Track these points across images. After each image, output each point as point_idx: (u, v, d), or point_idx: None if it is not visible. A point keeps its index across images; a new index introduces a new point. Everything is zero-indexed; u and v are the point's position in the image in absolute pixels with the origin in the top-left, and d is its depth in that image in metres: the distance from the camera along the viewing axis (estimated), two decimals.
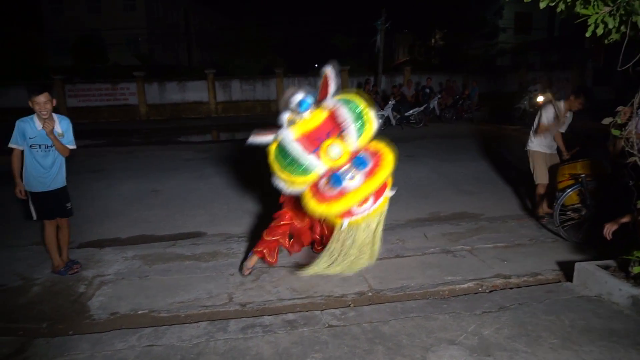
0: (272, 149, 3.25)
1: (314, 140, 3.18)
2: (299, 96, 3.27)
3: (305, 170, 3.15)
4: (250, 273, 3.82)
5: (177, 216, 5.60)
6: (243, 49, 22.18)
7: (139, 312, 3.32)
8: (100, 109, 18.52)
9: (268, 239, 3.72)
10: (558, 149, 5.05)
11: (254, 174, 7.23)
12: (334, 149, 3.14)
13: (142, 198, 6.37)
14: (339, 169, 3.18)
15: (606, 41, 3.01)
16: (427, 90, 15.60)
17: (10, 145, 3.63)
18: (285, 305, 3.38)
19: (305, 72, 22.17)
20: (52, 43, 28.94)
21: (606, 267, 3.33)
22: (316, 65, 23.80)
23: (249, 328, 2.92)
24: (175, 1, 35.43)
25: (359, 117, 3.20)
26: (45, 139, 3.60)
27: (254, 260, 3.81)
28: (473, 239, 4.59)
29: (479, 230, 4.86)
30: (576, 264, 3.48)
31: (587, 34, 2.90)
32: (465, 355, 2.58)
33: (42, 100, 3.48)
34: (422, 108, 14.34)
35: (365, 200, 3.22)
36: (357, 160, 3.17)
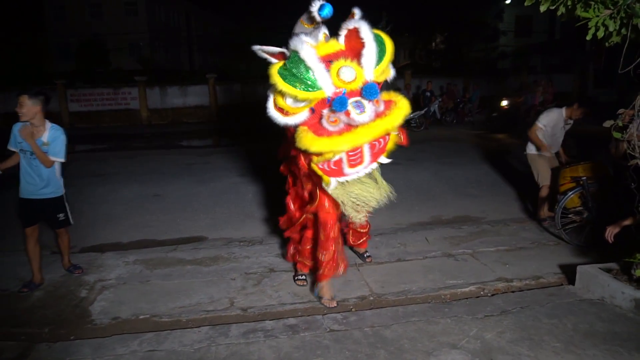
0: (277, 65, 2.79)
1: (327, 63, 2.77)
2: (319, 2, 2.94)
3: (313, 83, 2.69)
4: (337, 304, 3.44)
5: (179, 220, 5.61)
6: (244, 52, 22.17)
7: (141, 317, 3.32)
8: (102, 113, 18.52)
9: (324, 253, 3.36)
10: (557, 152, 5.06)
11: (255, 178, 7.24)
12: (346, 70, 2.70)
13: (143, 202, 6.37)
14: (346, 96, 2.74)
15: (607, 44, 3.01)
16: (428, 94, 15.60)
17: (8, 147, 3.67)
18: (287, 310, 3.38)
19: None
20: (55, 48, 29.16)
21: (608, 270, 3.32)
22: None
23: (250, 333, 2.92)
24: (177, 5, 35.64)
25: (380, 42, 2.85)
26: (29, 145, 3.55)
27: (329, 286, 3.49)
28: (475, 243, 4.58)
29: (480, 233, 4.85)
30: (578, 267, 3.47)
31: (588, 37, 2.90)
32: (467, 359, 2.57)
33: (18, 102, 3.47)
34: (422, 112, 14.35)
35: (360, 160, 2.87)
36: (367, 88, 2.69)
